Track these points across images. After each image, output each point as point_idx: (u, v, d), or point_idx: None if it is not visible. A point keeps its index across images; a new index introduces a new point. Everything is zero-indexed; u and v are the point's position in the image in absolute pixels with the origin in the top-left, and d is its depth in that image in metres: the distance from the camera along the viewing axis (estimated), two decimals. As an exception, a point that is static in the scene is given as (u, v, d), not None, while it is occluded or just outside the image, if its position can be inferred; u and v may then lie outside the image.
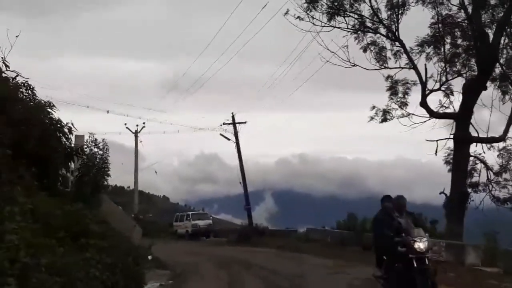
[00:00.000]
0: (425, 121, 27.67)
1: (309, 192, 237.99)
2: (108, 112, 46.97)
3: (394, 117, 28.42)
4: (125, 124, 49.72)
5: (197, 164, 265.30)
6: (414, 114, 28.02)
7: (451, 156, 27.30)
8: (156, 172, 50.44)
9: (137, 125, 50.17)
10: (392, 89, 28.47)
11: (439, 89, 27.89)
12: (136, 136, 50.39)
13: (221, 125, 36.97)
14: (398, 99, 28.37)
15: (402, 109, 28.42)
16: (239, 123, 36.41)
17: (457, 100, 26.96)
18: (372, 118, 28.46)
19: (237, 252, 29.34)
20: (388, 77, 28.44)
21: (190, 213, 43.19)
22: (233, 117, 36.54)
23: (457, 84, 27.20)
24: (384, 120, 28.52)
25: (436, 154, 28.55)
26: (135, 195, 50.26)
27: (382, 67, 27.93)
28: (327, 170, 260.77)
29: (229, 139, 36.59)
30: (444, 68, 27.36)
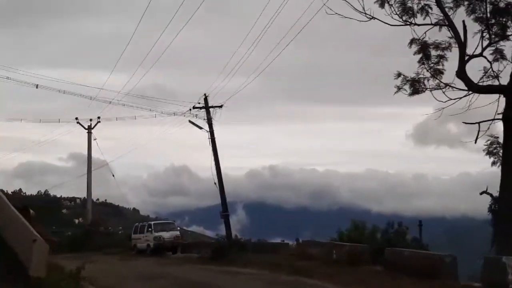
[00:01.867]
0: (464, 96, 19.84)
1: (281, 204, 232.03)
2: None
3: (427, 88, 20.51)
4: (76, 118, 40.72)
5: (166, 176, 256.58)
6: (452, 86, 20.07)
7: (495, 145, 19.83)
8: (113, 175, 41.38)
9: (90, 120, 41.19)
10: (423, 52, 20.53)
11: (481, 54, 19.81)
12: (89, 133, 41.33)
13: (190, 109, 28.42)
14: (431, 65, 20.48)
15: (436, 78, 20.49)
16: (213, 107, 27.81)
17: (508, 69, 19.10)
18: (399, 88, 20.42)
19: (212, 274, 20.91)
20: (412, 41, 20.45)
21: (152, 222, 34.35)
22: (205, 99, 27.88)
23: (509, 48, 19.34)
24: (415, 91, 20.53)
25: (475, 142, 20.46)
26: (87, 202, 41.07)
27: (407, 22, 19.86)
28: (298, 182, 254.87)
29: (200, 128, 27.96)
30: (489, 26, 19.49)
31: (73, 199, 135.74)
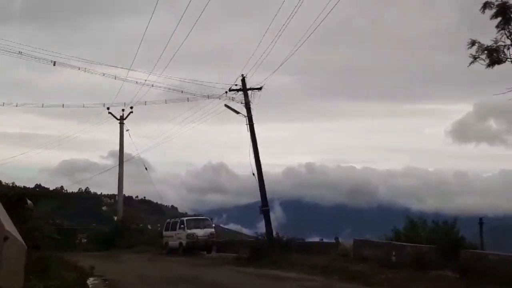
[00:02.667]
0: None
1: (318, 202, 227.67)
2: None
3: (507, 58, 16.50)
4: (108, 108, 37.93)
5: (204, 174, 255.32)
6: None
7: None
8: (146, 168, 38.52)
9: (122, 110, 38.37)
10: (502, 15, 16.47)
11: None
12: (121, 123, 38.54)
13: (226, 92, 25.01)
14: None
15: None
16: (251, 89, 24.36)
17: None
18: (475, 58, 16.45)
19: (251, 279, 17.59)
20: (486, 4, 16.38)
21: (185, 219, 31.00)
22: (243, 80, 24.41)
23: None
24: (494, 61, 16.47)
25: None
26: (119, 197, 38.31)
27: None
28: (335, 180, 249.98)
29: (237, 112, 24.52)
30: None
31: (113, 196, 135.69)
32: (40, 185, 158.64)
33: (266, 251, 22.98)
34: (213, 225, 30.78)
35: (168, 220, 32.58)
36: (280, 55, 23.12)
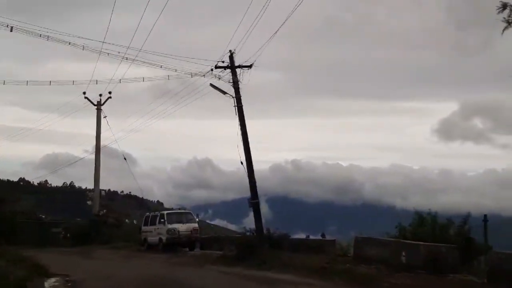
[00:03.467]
0: None
1: (303, 198, 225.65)
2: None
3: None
4: (84, 93, 34.65)
5: (190, 169, 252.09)
6: None
7: None
8: (125, 158, 35.18)
9: (100, 95, 35.10)
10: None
11: None
12: (98, 109, 35.30)
13: (212, 69, 21.93)
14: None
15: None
16: (240, 66, 21.26)
17: None
18: (509, 23, 13.59)
19: (240, 283, 14.64)
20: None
21: (166, 212, 27.77)
22: (231, 56, 21.26)
23: None
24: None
25: None
26: (95, 189, 35.08)
27: None
28: (321, 177, 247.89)
29: (224, 92, 21.46)
30: None
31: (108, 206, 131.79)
32: (24, 179, 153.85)
33: (255, 248, 20.06)
34: (197, 219, 27.73)
35: (147, 213, 29.41)
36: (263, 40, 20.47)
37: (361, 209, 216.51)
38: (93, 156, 35.28)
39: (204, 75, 22.56)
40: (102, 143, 35.13)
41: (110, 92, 34.59)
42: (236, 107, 21.36)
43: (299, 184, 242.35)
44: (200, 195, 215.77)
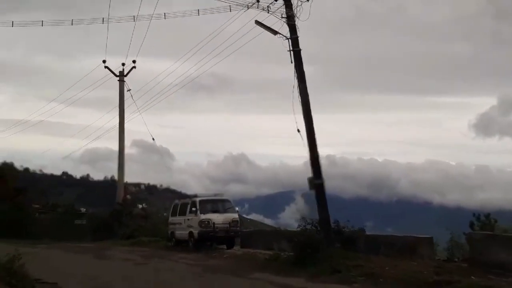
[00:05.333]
0: None
1: (339, 194, 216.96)
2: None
3: None
4: (104, 61, 28.53)
5: (226, 164, 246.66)
6: None
7: None
8: (153, 138, 28.88)
9: (122, 64, 28.89)
10: None
11: None
12: (120, 81, 29.10)
13: (258, 0, 15.34)
14: None
15: None
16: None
17: None
18: None
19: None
20: None
21: (198, 199, 20.61)
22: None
23: None
24: None
25: None
26: (119, 172, 28.80)
27: None
28: (356, 172, 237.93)
29: (275, 32, 14.82)
30: None
31: (137, 184, 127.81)
32: (67, 173, 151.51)
33: (321, 249, 13.48)
34: (237, 209, 21.14)
35: (176, 201, 22.91)
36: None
37: (396, 205, 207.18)
38: (132, 151, 29.60)
39: (247, 7, 15.94)
40: (142, 139, 29.26)
41: (134, 61, 28.52)
42: (291, 52, 14.75)
43: (333, 180, 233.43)
44: (236, 189, 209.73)
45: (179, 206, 21.74)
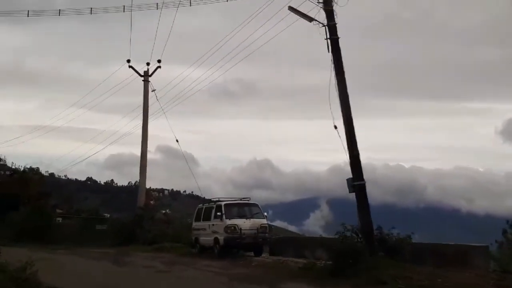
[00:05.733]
0: None
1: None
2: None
3: None
4: (128, 61, 27.41)
5: (250, 170, 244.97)
6: None
7: None
8: (177, 140, 27.41)
9: (147, 64, 27.67)
10: None
11: None
12: (145, 81, 27.88)
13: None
14: None
15: None
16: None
17: None
18: None
19: None
20: None
21: (223, 203, 19.00)
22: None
23: None
24: None
25: None
26: (141, 175, 27.45)
27: None
28: (382, 178, 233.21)
29: (310, 19, 13.33)
30: None
31: (161, 190, 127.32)
32: (91, 178, 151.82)
33: (363, 258, 11.88)
34: (265, 214, 19.61)
35: (200, 205, 21.50)
36: None
37: (423, 212, 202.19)
38: (156, 156, 28.38)
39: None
40: (166, 144, 28.05)
41: (159, 61, 27.29)
42: (328, 40, 13.23)
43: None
44: (260, 195, 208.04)
45: (203, 211, 20.29)
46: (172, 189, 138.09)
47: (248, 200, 19.94)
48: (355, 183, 13.09)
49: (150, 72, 27.74)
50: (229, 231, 17.99)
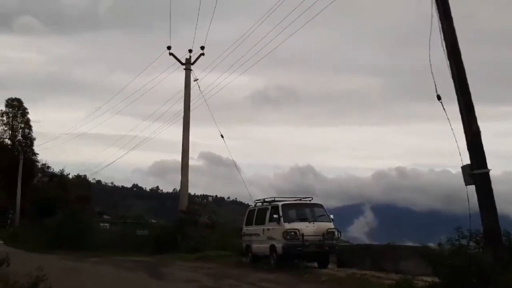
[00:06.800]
0: None
1: (410, 207, 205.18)
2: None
3: None
4: (169, 48, 24.24)
5: (292, 176, 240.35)
6: None
7: None
8: (222, 136, 24.16)
9: (189, 51, 24.39)
10: None
11: None
12: (187, 69, 24.60)
13: None
14: None
15: None
16: None
17: None
18: None
19: None
20: None
21: (281, 203, 15.29)
22: None
23: None
24: None
25: None
26: (182, 178, 24.09)
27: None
28: (428, 184, 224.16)
29: None
30: None
31: (205, 196, 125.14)
32: (137, 185, 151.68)
33: (493, 276, 8.12)
34: (332, 217, 15.89)
35: (252, 206, 17.76)
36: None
37: (472, 219, 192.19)
38: (199, 163, 25.22)
39: None
40: (209, 151, 24.82)
41: (202, 47, 24.03)
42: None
43: (404, 192, 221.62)
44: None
45: (255, 213, 16.73)
46: (216, 196, 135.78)
47: (310, 200, 16.26)
48: (475, 171, 9.27)
49: (192, 60, 24.47)
50: (288, 237, 14.38)
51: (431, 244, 11.13)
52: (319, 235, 14.53)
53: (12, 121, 50.73)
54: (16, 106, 50.95)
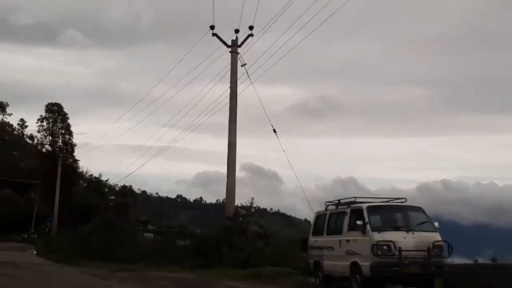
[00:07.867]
0: None
1: (456, 220, 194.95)
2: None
3: None
4: (212, 28, 20.32)
5: (334, 188, 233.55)
6: None
7: None
8: (274, 130, 20.03)
9: (236, 31, 20.33)
10: None
11: None
12: (233, 52, 20.54)
13: None
14: None
15: None
16: None
17: None
18: None
19: None
20: None
21: (366, 205, 10.86)
22: None
23: None
24: None
25: None
26: (228, 177, 19.81)
27: None
28: (474, 197, 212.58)
29: None
30: None
31: (249, 208, 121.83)
32: (181, 195, 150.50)
33: None
34: (436, 225, 11.34)
35: (321, 211, 13.10)
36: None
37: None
38: (241, 174, 21.07)
39: None
40: (251, 162, 20.78)
41: (251, 28, 20.05)
42: None
43: (450, 205, 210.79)
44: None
45: (327, 218, 12.31)
46: (259, 207, 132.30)
47: (403, 202, 11.74)
48: None
49: (239, 42, 20.49)
50: (379, 252, 9.97)
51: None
52: (423, 250, 10.06)
53: (52, 127, 48.55)
54: (56, 111, 48.80)
